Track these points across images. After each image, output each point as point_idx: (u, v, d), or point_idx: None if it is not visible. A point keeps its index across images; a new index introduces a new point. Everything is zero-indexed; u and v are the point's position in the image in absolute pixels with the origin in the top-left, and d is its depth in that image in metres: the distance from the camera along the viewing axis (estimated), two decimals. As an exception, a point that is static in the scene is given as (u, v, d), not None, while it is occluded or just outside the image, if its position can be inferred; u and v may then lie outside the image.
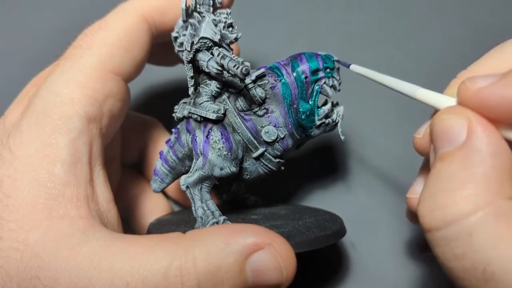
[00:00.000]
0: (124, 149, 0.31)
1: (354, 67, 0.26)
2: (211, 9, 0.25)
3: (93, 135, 0.23)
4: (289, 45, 0.40)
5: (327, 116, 0.26)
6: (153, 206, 0.32)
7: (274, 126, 0.26)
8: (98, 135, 0.24)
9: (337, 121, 0.27)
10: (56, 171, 0.21)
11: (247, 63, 0.23)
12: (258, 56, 0.39)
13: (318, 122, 0.26)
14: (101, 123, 0.24)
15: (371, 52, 0.40)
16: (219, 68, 0.24)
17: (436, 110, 0.22)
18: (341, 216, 0.28)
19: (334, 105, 0.27)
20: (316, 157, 0.36)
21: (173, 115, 0.27)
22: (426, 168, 0.25)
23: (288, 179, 0.35)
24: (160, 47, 0.28)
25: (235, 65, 0.23)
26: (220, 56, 0.24)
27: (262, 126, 0.26)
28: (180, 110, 0.27)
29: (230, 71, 0.24)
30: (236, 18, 0.28)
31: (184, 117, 0.27)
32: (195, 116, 0.26)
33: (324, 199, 0.34)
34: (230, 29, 0.26)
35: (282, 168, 0.28)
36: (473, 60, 0.24)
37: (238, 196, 0.31)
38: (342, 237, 0.25)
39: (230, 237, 0.21)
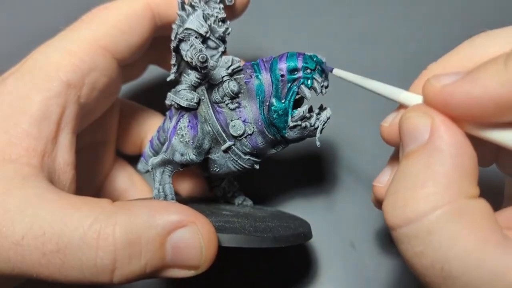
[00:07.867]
0: (124, 139, 0.32)
1: (337, 71, 0.25)
2: (219, 6, 0.26)
3: (69, 100, 0.24)
4: (291, 44, 0.39)
5: (303, 118, 0.25)
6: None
7: (243, 121, 0.25)
8: (74, 102, 0.24)
9: (316, 126, 0.26)
10: (23, 121, 0.22)
11: (205, 52, 0.23)
12: (260, 55, 0.38)
13: (291, 124, 0.25)
14: (80, 91, 0.24)
15: (371, 51, 0.39)
16: (191, 57, 0.25)
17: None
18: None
19: (323, 109, 0.26)
20: (317, 163, 0.35)
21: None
22: (394, 158, 0.25)
23: (290, 187, 0.34)
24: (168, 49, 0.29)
25: (195, 53, 0.24)
26: (190, 45, 0.25)
27: (231, 120, 0.25)
28: (168, 97, 0.28)
29: (192, 60, 0.24)
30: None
31: (171, 105, 0.28)
32: (174, 103, 0.27)
33: (323, 199, 0.34)
34: (220, 23, 0.26)
35: (257, 167, 0.27)
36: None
37: (228, 193, 0.31)
38: (274, 245, 0.23)
39: (156, 211, 0.21)
